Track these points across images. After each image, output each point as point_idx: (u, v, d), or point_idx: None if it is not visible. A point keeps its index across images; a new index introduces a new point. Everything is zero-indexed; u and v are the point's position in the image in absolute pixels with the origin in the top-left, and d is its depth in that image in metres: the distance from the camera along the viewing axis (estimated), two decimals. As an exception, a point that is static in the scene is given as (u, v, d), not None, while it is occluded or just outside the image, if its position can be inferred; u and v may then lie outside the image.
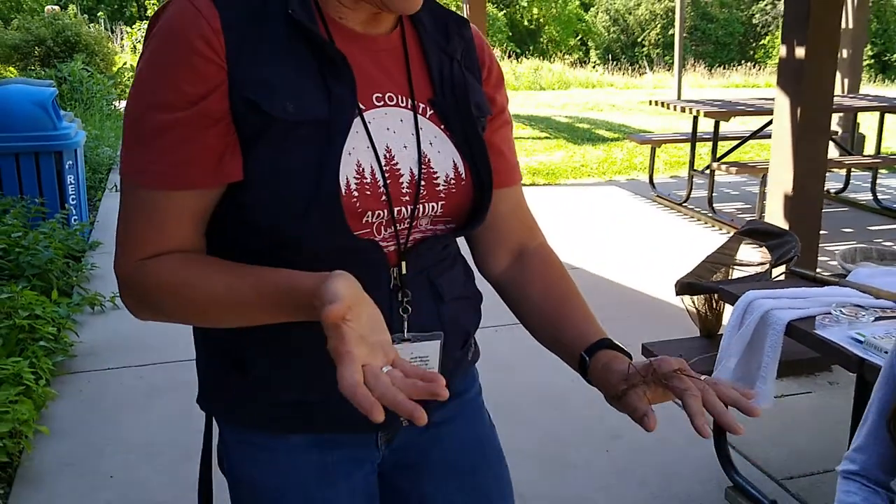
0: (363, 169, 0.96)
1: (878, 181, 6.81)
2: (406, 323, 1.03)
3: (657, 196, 6.90)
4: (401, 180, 1.00)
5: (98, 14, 20.95)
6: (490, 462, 1.24)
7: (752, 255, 2.57)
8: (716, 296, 2.51)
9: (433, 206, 1.03)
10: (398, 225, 1.00)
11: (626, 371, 0.93)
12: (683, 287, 2.54)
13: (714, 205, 6.30)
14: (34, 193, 5.00)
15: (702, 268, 2.61)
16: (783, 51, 3.51)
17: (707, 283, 2.46)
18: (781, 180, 3.57)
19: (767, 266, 2.48)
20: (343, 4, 0.99)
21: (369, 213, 0.97)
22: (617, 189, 7.43)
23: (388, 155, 0.99)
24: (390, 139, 0.99)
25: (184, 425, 3.02)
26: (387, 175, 0.98)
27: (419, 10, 1.02)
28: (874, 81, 21.52)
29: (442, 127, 1.04)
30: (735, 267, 2.57)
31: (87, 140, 7.09)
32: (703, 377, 0.90)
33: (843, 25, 8.06)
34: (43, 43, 11.88)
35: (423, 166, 1.01)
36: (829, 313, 2.01)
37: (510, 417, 3.07)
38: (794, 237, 2.46)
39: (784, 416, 3.12)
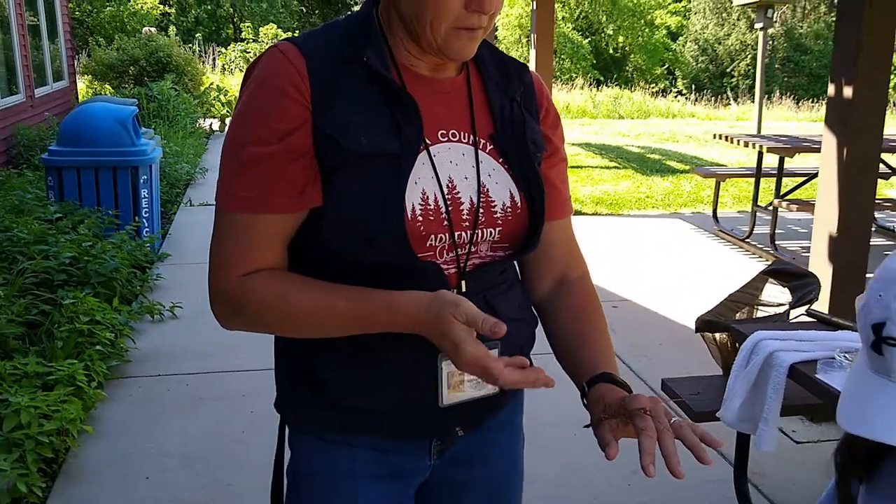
0: (427, 197, 1.10)
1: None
2: None
3: (719, 230, 6.81)
4: (461, 207, 1.12)
5: (196, 35, 21.90)
6: (518, 480, 1.37)
7: (774, 295, 2.56)
8: (734, 334, 2.50)
9: (491, 232, 1.15)
10: (459, 249, 1.13)
11: (605, 403, 1.04)
12: (702, 324, 2.54)
13: (777, 242, 6.18)
14: (110, 205, 5.30)
15: (723, 306, 2.60)
16: (831, 88, 3.46)
17: (723, 320, 2.46)
18: (827, 220, 3.51)
19: (787, 307, 2.46)
20: (412, 55, 1.13)
21: (432, 236, 1.10)
22: (680, 221, 7.35)
23: (450, 184, 1.12)
24: (453, 171, 1.13)
25: (222, 433, 3.16)
26: (449, 202, 1.11)
27: (483, 56, 1.18)
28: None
29: (500, 160, 1.17)
30: (756, 306, 2.56)
31: (166, 156, 7.46)
32: (674, 419, 0.97)
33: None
34: (137, 63, 12.53)
35: (481, 195, 1.14)
36: (833, 358, 1.99)
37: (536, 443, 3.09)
38: (816, 279, 2.44)
39: (816, 459, 3.06)
